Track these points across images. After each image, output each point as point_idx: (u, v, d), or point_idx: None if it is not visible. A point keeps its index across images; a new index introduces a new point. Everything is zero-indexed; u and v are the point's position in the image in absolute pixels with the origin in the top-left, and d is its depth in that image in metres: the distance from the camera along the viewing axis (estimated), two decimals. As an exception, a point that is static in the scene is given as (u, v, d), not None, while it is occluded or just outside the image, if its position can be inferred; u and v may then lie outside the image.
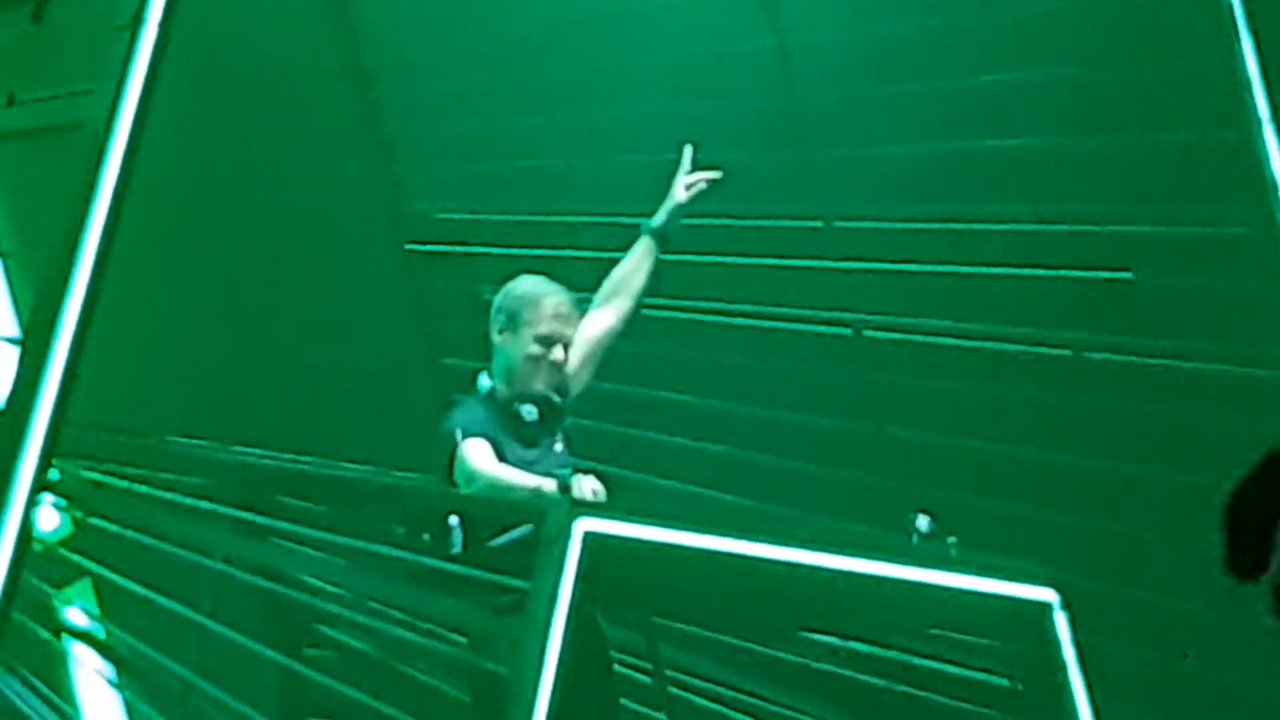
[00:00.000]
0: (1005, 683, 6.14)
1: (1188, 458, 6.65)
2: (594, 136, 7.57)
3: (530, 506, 5.79)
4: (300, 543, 6.40)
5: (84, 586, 7.04)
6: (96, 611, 7.06)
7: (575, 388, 6.14)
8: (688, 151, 6.15)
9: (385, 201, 8.35)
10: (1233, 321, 6.76)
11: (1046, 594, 6.05)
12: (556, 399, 5.95)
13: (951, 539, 6.02)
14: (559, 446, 6.01)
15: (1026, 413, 7.08)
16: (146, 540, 6.54)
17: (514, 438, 5.86)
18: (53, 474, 6.04)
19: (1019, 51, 6.75)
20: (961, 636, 6.21)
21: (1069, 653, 6.06)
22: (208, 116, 7.18)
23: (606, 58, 7.51)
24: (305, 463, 6.83)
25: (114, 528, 6.52)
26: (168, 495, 6.69)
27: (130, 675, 6.98)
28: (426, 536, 6.09)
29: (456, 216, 7.98)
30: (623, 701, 6.16)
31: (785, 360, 7.54)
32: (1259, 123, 6.56)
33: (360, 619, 6.31)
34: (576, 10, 7.53)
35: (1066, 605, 6.00)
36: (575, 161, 7.66)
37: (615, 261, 6.25)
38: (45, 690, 6.47)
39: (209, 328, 7.70)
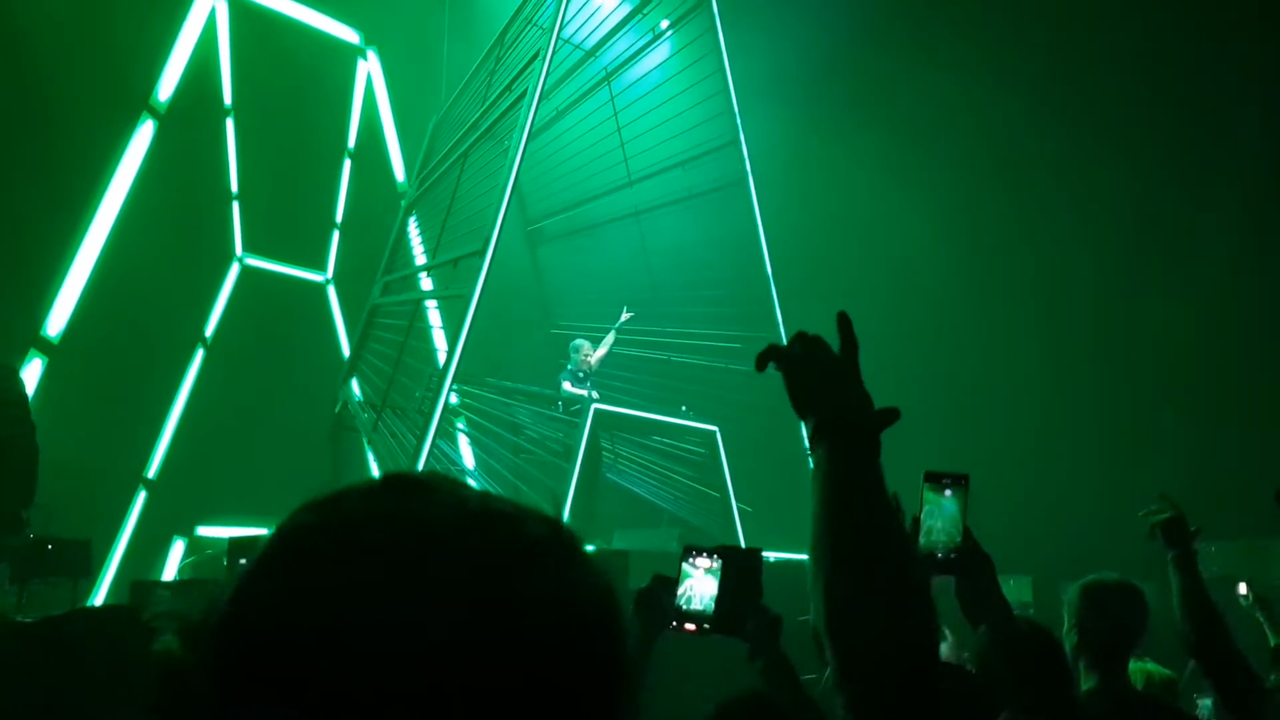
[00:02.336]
0: (703, 452, 10.97)
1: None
2: (600, 296, 12.42)
3: (581, 399, 10.35)
4: (515, 402, 10.96)
5: (463, 416, 11.00)
6: (465, 423, 11.01)
7: (595, 369, 10.89)
8: (625, 308, 11.27)
9: (548, 319, 13.22)
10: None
11: (713, 428, 10.83)
12: (589, 371, 10.74)
13: (686, 408, 11.20)
14: (590, 384, 10.67)
15: (727, 378, 11.80)
16: (473, 403, 11.04)
17: (575, 383, 10.59)
18: (454, 385, 9.34)
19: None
20: (688, 441, 11.12)
21: (720, 448, 10.80)
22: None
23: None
24: (520, 386, 11.16)
25: (468, 400, 10.90)
26: (481, 392, 10.98)
27: (477, 447, 11.09)
28: (573, 407, 10.55)
29: (565, 322, 12.66)
30: (604, 457, 11.01)
31: (648, 363, 12.48)
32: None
33: (531, 431, 10.83)
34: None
35: (722, 432, 10.83)
36: (594, 307, 12.31)
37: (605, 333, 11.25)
38: (451, 449, 10.59)
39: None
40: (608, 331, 11.40)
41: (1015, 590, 10.63)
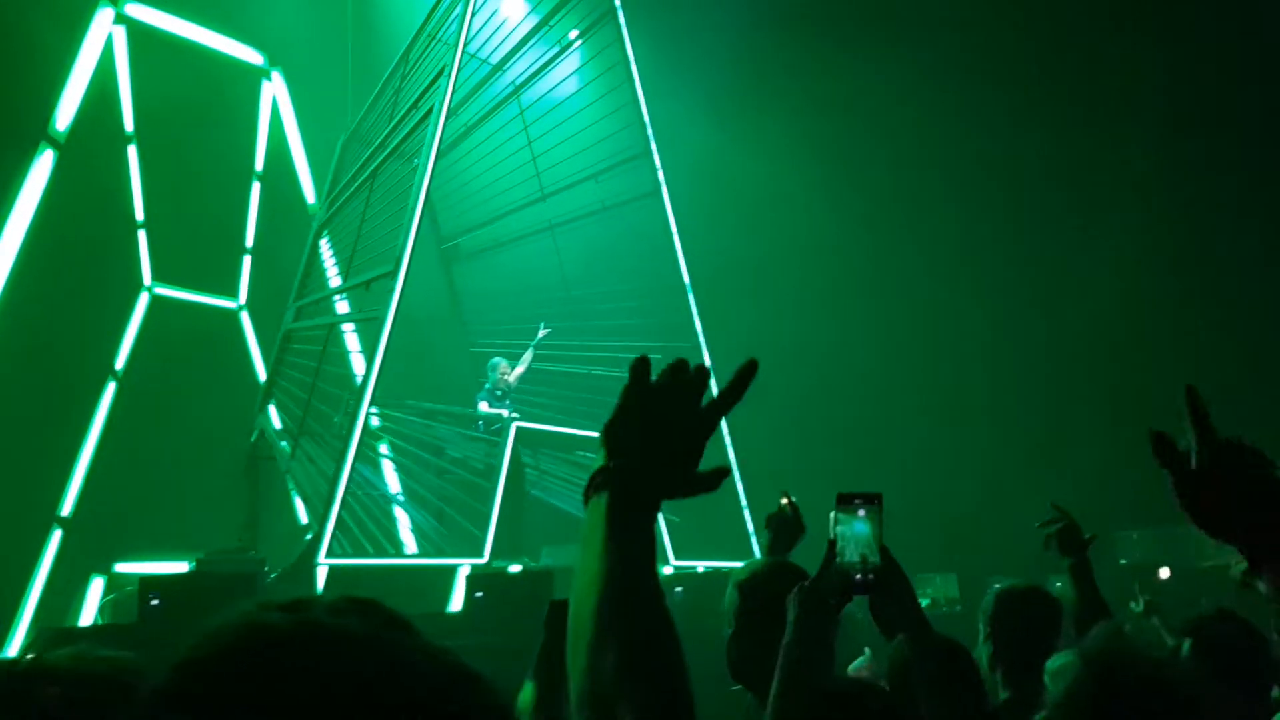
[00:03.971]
0: None
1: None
2: (517, 312, 12.60)
3: (499, 419, 10.59)
4: (437, 422, 11.14)
5: (386, 439, 11.05)
6: (386, 443, 11.04)
7: (512, 387, 11.25)
8: (542, 324, 11.65)
9: (466, 337, 13.17)
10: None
11: None
12: (508, 389, 11.09)
13: None
14: (509, 403, 11.00)
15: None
16: (393, 426, 11.03)
17: (494, 402, 10.91)
18: (373, 408, 9.65)
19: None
20: None
21: None
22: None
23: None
24: (440, 407, 11.37)
25: (388, 424, 10.91)
26: (401, 415, 11.04)
27: (400, 471, 11.20)
28: (494, 426, 10.75)
29: (483, 340, 12.72)
30: (526, 473, 11.13)
31: (569, 378, 12.35)
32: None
33: (453, 452, 10.92)
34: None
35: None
36: (512, 324, 12.49)
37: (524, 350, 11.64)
38: (373, 474, 10.69)
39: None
40: (526, 349, 11.71)
41: (942, 587, 11.06)
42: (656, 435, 1.30)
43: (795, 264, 13.12)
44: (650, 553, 1.28)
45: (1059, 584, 3.55)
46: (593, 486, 1.31)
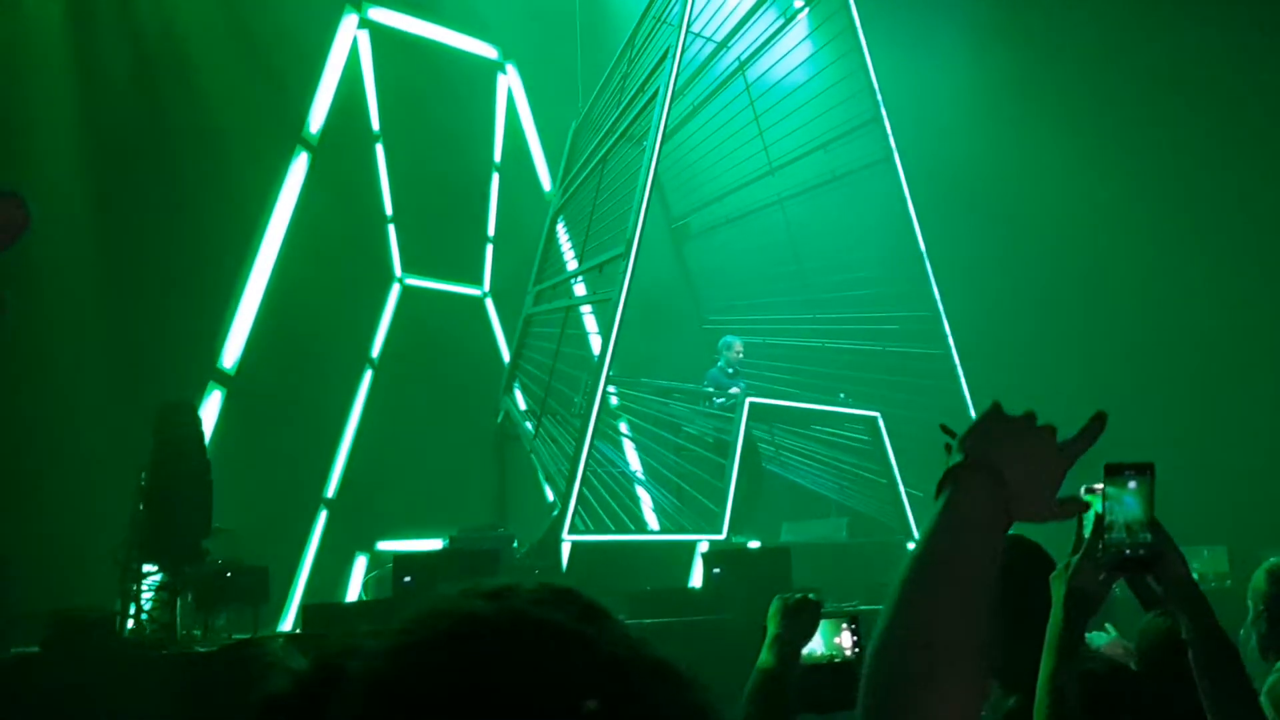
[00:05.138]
0: (866, 439, 11.15)
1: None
2: (748, 288, 12.92)
3: (732, 395, 10.65)
4: (673, 400, 11.49)
5: (624, 418, 11.37)
6: (625, 421, 11.40)
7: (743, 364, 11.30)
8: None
9: (698, 317, 13.39)
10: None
11: (874, 413, 11.03)
12: (738, 367, 11.19)
13: (844, 395, 11.38)
14: (742, 380, 11.12)
15: (887, 361, 12.00)
16: (631, 404, 11.43)
17: (727, 379, 11.05)
18: (611, 387, 10.20)
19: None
20: (849, 428, 11.36)
21: (883, 433, 10.96)
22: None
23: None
24: (676, 385, 11.40)
25: (625, 402, 11.26)
26: (639, 393, 11.30)
27: (640, 450, 11.49)
28: (719, 400, 11.03)
29: (715, 317, 13.03)
30: (761, 449, 11.31)
31: (802, 352, 12.49)
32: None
33: (689, 429, 11.03)
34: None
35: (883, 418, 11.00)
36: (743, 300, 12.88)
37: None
38: (614, 453, 10.78)
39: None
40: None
41: (1211, 561, 10.55)
42: (1016, 451, 1.29)
43: (1041, 227, 12.63)
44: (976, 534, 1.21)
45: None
46: (952, 482, 1.25)
